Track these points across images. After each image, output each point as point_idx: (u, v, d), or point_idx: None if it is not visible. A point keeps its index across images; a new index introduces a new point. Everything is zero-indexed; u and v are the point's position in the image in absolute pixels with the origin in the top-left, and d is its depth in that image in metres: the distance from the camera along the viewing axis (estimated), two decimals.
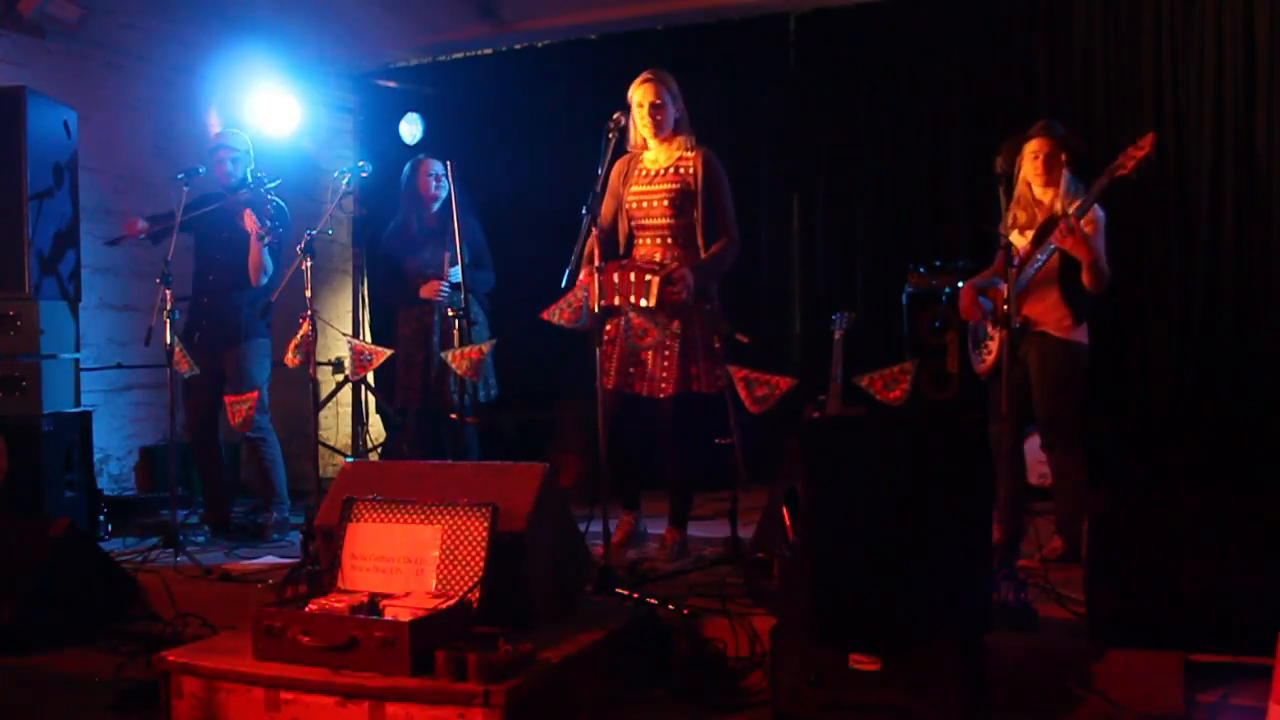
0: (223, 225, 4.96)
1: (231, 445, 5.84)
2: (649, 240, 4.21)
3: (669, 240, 4.17)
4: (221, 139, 5.11)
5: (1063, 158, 4.01)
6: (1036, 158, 4.02)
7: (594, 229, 3.80)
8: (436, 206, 5.14)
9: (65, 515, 4.31)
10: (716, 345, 4.15)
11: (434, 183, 5.14)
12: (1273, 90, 5.35)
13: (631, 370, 4.18)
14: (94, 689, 3.37)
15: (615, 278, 4.08)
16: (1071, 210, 3.83)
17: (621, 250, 4.28)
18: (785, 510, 3.13)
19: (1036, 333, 4.04)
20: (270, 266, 4.94)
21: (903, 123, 6.13)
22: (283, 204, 4.97)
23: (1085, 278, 3.89)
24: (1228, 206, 5.45)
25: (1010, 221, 3.93)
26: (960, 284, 5.07)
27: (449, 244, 5.00)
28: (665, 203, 4.14)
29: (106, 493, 5.56)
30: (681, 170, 4.17)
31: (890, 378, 3.66)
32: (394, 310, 5.31)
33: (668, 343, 4.10)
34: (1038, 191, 4.06)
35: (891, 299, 5.83)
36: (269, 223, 4.80)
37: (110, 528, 5.11)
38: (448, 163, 4.95)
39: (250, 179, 5.01)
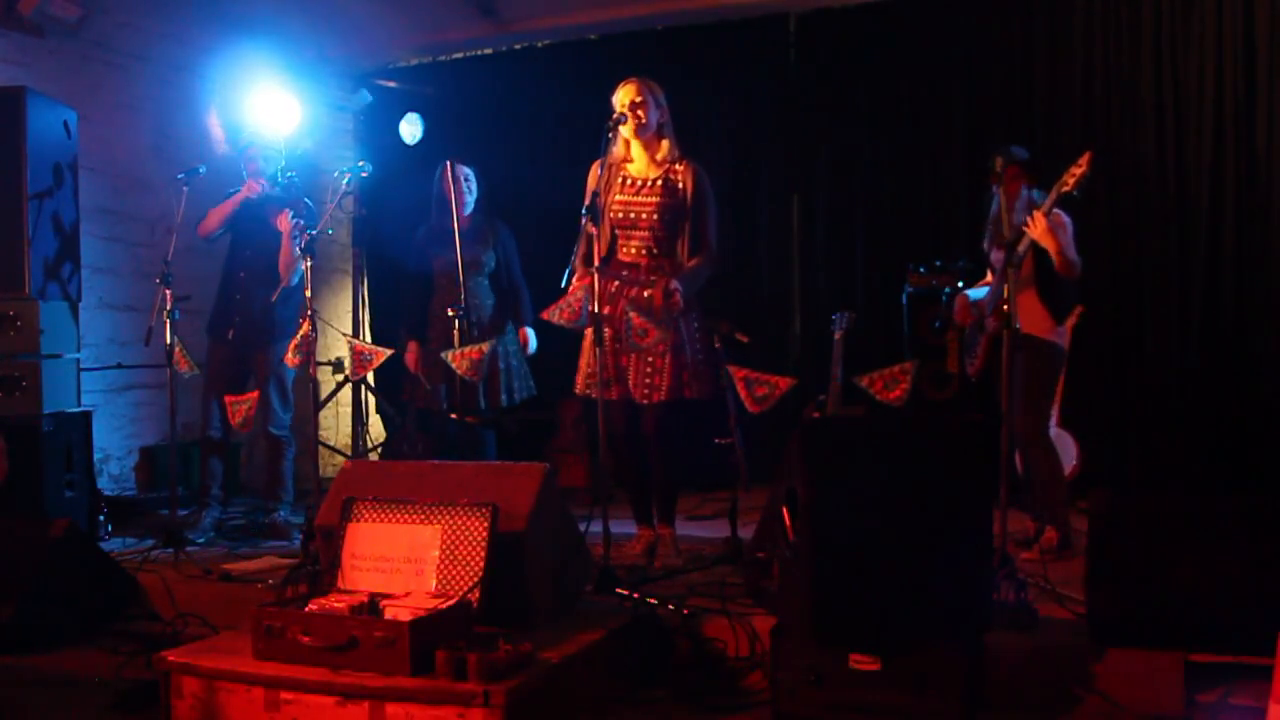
0: (256, 224, 4.97)
1: (232, 446, 5.85)
2: (634, 248, 4.19)
3: (654, 250, 4.17)
4: (253, 137, 5.18)
5: (1021, 182, 4.10)
6: (1001, 184, 4.15)
7: (593, 231, 3.81)
8: (469, 209, 5.15)
9: (65, 515, 4.32)
10: (717, 345, 4.15)
11: (463, 185, 5.17)
12: (1273, 90, 5.34)
13: (634, 379, 4.16)
14: (94, 689, 3.36)
15: (613, 287, 4.11)
16: (1040, 207, 3.94)
17: (604, 253, 4.26)
18: (785, 510, 3.13)
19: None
20: (300, 266, 4.92)
21: (903, 123, 6.12)
22: (311, 204, 5.01)
23: (1057, 265, 4.03)
24: (1228, 206, 5.45)
25: (991, 237, 4.27)
26: (960, 284, 5.11)
27: (481, 243, 5.03)
28: (655, 215, 4.13)
29: (106, 493, 5.56)
30: (671, 182, 4.16)
31: (890, 378, 3.67)
32: (426, 309, 5.25)
33: (660, 348, 4.09)
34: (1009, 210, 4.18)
35: (891, 299, 5.82)
36: (301, 221, 4.83)
37: (110, 528, 5.11)
38: (447, 163, 4.95)
39: (280, 178, 5.06)
